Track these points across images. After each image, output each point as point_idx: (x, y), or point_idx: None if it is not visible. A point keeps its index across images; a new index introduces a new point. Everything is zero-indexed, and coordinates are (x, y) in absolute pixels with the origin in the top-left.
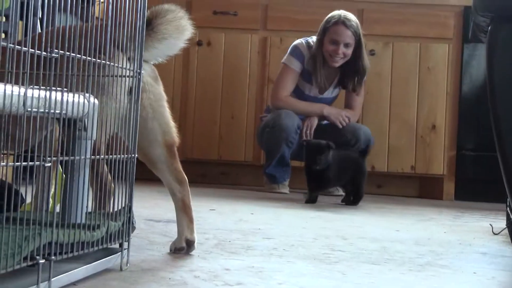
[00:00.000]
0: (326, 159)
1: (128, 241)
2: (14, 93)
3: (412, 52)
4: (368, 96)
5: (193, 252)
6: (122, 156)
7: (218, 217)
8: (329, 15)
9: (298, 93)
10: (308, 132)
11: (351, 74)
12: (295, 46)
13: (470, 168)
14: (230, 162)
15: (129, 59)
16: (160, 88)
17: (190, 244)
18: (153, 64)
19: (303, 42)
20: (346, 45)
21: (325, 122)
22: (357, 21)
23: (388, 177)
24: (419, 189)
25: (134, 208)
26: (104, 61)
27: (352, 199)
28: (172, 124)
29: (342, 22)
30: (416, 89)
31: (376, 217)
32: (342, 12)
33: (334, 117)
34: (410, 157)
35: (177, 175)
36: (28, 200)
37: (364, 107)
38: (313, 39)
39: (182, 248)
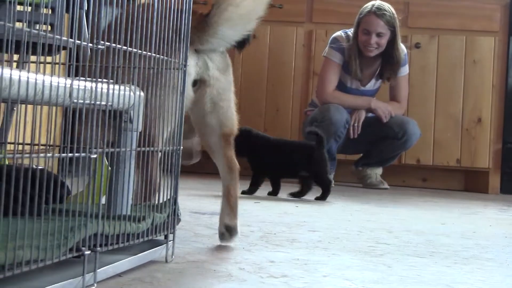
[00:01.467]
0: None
1: (174, 233)
2: (60, 84)
3: (457, 45)
4: (414, 90)
5: (238, 245)
6: (168, 148)
7: (263, 209)
8: (364, 6)
9: (340, 86)
10: (356, 125)
11: (388, 65)
12: (335, 38)
13: None
14: None
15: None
16: (228, 79)
17: (229, 230)
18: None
19: (342, 34)
20: (379, 35)
21: (370, 114)
22: (392, 11)
23: (433, 170)
24: (465, 183)
25: (179, 200)
26: (157, 55)
27: (321, 194)
28: (231, 115)
29: (373, 12)
30: (462, 83)
31: (421, 210)
32: (376, 2)
33: (381, 110)
34: (455, 151)
35: (229, 162)
36: (74, 192)
37: (409, 100)
38: (351, 30)
39: (222, 233)
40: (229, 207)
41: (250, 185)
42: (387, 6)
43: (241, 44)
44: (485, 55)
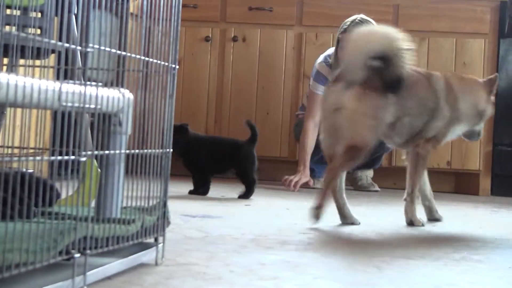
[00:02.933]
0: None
1: (163, 236)
2: (49, 87)
3: (448, 47)
4: None
5: (228, 247)
6: (157, 150)
7: (254, 212)
8: (345, 21)
9: None
10: None
11: None
12: (318, 72)
13: (506, 163)
14: (265, 158)
15: None
16: (360, 105)
17: None
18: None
19: (323, 63)
20: None
21: None
22: None
23: None
24: (455, 185)
25: (169, 203)
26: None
27: (244, 192)
28: (357, 131)
29: (350, 30)
30: None
31: None
32: (357, 17)
33: None
34: (446, 153)
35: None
36: (63, 195)
37: None
38: (329, 53)
39: None
40: None
41: (194, 185)
42: (366, 22)
43: (391, 86)
44: (475, 57)
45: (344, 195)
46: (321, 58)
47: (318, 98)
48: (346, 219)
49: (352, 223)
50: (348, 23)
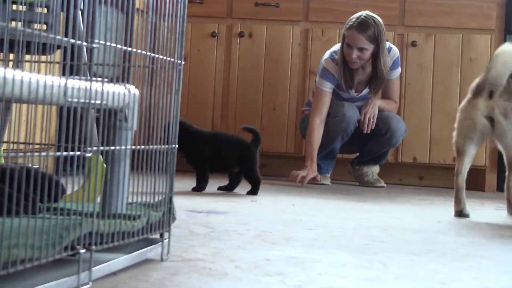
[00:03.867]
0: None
1: (169, 232)
2: (55, 83)
3: (454, 43)
4: (410, 88)
5: (234, 243)
6: (163, 146)
7: (259, 208)
8: (350, 17)
9: (338, 97)
10: (373, 120)
11: (373, 77)
12: (324, 69)
13: None
14: (271, 154)
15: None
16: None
17: None
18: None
19: (330, 60)
20: (360, 50)
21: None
22: (378, 23)
23: (430, 168)
24: None
25: (175, 199)
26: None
27: (251, 189)
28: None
29: (355, 27)
30: (458, 81)
31: (418, 208)
32: (363, 14)
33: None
34: (451, 149)
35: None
36: (69, 191)
37: (406, 98)
38: (335, 49)
39: None
40: None
41: (197, 182)
42: (372, 19)
43: None
44: (482, 53)
45: None
46: (327, 54)
47: (325, 95)
48: None
49: None
50: (354, 19)
